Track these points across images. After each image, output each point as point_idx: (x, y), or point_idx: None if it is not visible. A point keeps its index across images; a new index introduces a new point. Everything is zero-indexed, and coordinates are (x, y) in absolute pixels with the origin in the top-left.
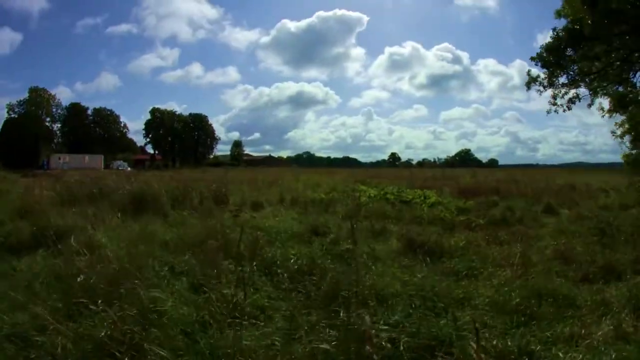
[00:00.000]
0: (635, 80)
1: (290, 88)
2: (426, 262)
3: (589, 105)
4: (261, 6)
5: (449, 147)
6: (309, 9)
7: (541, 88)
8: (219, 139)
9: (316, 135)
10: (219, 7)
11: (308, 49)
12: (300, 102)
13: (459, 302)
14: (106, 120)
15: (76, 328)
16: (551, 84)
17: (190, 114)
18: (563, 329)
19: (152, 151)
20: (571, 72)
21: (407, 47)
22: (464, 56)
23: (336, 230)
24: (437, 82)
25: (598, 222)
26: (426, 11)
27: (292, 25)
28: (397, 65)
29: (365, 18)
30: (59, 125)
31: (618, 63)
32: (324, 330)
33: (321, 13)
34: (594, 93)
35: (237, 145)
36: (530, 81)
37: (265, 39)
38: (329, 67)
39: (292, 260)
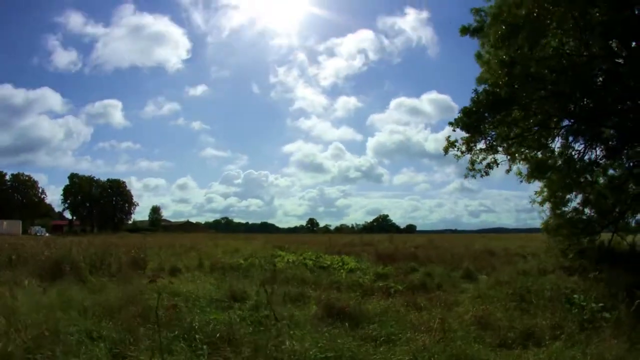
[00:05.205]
0: (553, 146)
1: None
2: (345, 327)
3: (507, 171)
4: None
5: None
6: None
7: (459, 153)
8: (137, 204)
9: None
10: None
11: None
12: None
13: None
14: (24, 185)
15: None
16: (469, 150)
17: (108, 180)
18: None
19: (70, 216)
20: (489, 138)
21: None
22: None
23: (255, 296)
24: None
25: (517, 287)
26: None
27: None
28: None
29: None
30: None
31: (536, 128)
32: None
33: None
34: (512, 159)
35: (155, 210)
36: (448, 146)
37: None
38: None
39: (211, 326)
